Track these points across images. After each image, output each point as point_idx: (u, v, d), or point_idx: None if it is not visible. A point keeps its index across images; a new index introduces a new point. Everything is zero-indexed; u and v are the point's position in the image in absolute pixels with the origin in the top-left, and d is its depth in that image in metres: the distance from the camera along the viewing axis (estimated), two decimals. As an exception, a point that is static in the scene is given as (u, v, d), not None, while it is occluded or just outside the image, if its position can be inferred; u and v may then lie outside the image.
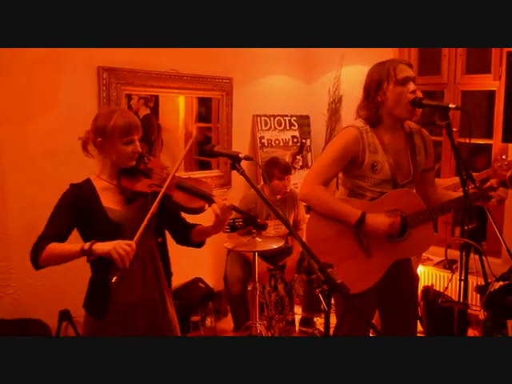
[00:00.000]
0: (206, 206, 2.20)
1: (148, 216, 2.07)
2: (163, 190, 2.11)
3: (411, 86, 2.37)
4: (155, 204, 2.09)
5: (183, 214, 2.35)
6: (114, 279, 1.97)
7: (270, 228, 4.24)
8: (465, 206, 2.40)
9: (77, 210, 2.14)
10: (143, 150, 2.31)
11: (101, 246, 1.95)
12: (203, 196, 2.20)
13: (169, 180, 2.15)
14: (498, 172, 3.45)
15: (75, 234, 2.19)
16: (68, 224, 2.13)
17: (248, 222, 2.32)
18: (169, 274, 2.40)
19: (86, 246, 1.95)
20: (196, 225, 2.37)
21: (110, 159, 2.20)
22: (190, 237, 2.34)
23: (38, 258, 2.02)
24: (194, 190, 2.22)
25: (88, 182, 2.23)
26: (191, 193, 2.22)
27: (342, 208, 2.40)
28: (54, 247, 2.02)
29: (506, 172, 3.43)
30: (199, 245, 2.38)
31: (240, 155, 1.96)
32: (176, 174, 2.22)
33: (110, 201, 2.19)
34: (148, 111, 4.82)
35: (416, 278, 2.73)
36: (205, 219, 2.31)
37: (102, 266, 2.10)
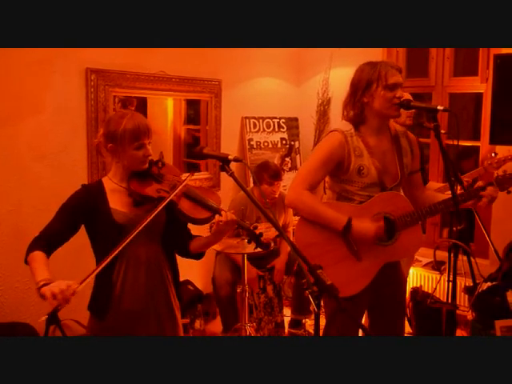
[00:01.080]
0: (212, 217, 2.20)
1: (144, 222, 2.06)
2: (169, 197, 2.11)
3: (399, 93, 2.37)
4: (157, 210, 2.08)
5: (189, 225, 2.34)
6: (40, 319, 1.85)
7: (261, 231, 4.22)
8: (453, 207, 2.40)
9: (83, 210, 2.15)
10: (159, 156, 2.31)
11: (42, 290, 1.87)
12: (210, 207, 2.20)
13: (179, 188, 2.15)
14: (489, 170, 3.47)
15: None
16: (68, 225, 2.14)
17: (251, 238, 2.27)
18: (177, 284, 2.39)
19: (40, 283, 1.89)
20: (196, 236, 2.37)
21: (122, 164, 2.21)
22: (188, 248, 2.33)
23: (26, 256, 2.05)
24: (201, 200, 2.21)
25: (99, 182, 2.25)
26: (198, 202, 2.21)
27: (328, 214, 2.38)
28: (35, 259, 2.01)
29: (497, 170, 3.46)
30: (197, 256, 2.37)
31: (229, 157, 1.95)
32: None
33: (117, 202, 2.20)
34: (133, 114, 4.76)
35: (404, 280, 2.74)
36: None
37: (105, 266, 2.09)
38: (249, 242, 2.38)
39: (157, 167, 2.26)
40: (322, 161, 2.41)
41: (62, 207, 2.17)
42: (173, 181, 2.25)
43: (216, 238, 2.26)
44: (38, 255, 2.03)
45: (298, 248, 2.41)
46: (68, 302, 1.85)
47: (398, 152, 2.51)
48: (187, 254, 2.35)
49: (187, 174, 2.22)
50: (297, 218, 4.55)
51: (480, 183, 2.47)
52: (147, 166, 2.22)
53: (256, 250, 3.46)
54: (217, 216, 2.17)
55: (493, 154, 3.46)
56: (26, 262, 2.05)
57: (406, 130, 2.62)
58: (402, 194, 2.51)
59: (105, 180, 2.25)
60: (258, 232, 2.23)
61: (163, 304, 2.30)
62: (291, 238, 4.35)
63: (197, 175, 4.74)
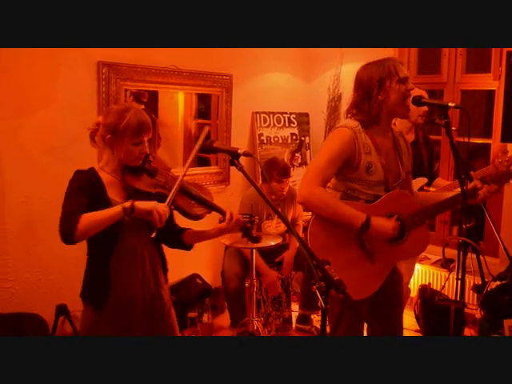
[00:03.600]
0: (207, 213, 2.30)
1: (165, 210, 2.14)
2: (172, 194, 2.16)
3: (410, 85, 2.37)
4: (169, 200, 2.15)
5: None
6: (153, 235, 2.17)
7: (272, 227, 4.24)
8: (456, 205, 2.42)
9: (86, 195, 2.13)
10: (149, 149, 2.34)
11: (142, 205, 2.07)
12: (207, 205, 2.29)
13: (177, 185, 2.19)
14: (500, 169, 3.45)
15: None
16: (85, 203, 2.09)
17: (244, 234, 2.39)
18: (165, 270, 2.43)
19: (127, 204, 2.03)
20: (187, 228, 2.42)
21: (118, 156, 2.22)
22: (183, 239, 2.39)
23: (74, 232, 1.97)
24: (198, 196, 2.29)
25: (93, 171, 2.23)
26: (195, 199, 2.29)
27: (345, 211, 2.32)
28: (90, 215, 2.02)
29: (507, 168, 3.46)
30: (189, 247, 2.43)
31: (239, 151, 1.95)
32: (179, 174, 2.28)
33: (114, 194, 2.21)
34: (142, 107, 4.77)
35: (401, 276, 2.71)
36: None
37: (100, 256, 2.20)
38: (242, 237, 2.45)
39: (148, 162, 2.29)
40: (334, 156, 2.36)
41: (72, 188, 2.12)
42: (167, 176, 2.29)
43: (219, 235, 2.33)
44: (89, 214, 2.02)
45: (312, 250, 2.41)
46: (164, 223, 2.09)
47: (398, 151, 2.51)
48: (180, 245, 2.41)
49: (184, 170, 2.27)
50: (306, 213, 4.56)
51: (476, 183, 2.47)
52: (141, 162, 2.25)
53: (267, 245, 3.50)
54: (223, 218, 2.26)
55: (504, 152, 3.45)
56: (75, 238, 1.99)
57: (401, 132, 2.63)
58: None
59: (97, 169, 2.24)
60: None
61: (154, 290, 2.34)
62: (300, 232, 4.37)
63: (206, 169, 4.75)
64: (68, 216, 2.01)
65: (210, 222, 2.38)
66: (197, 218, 2.29)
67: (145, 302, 2.29)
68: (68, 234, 1.98)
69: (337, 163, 2.36)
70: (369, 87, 2.38)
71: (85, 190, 2.12)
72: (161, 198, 2.17)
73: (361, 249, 2.40)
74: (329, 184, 2.48)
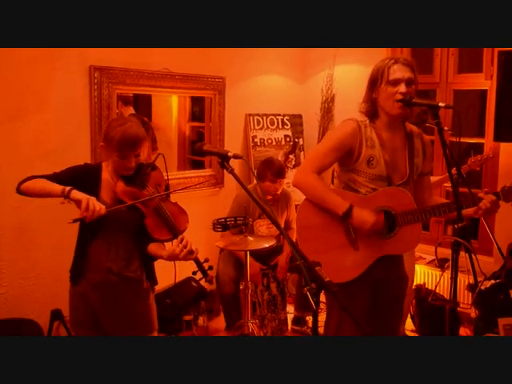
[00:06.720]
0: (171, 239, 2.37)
1: (114, 208, 2.28)
2: (125, 205, 2.32)
3: (401, 88, 2.37)
4: (113, 208, 2.27)
5: None
6: (70, 221, 2.14)
7: (263, 227, 4.24)
8: (455, 210, 2.40)
9: (77, 184, 2.28)
10: (154, 159, 2.53)
11: (77, 194, 2.16)
12: (174, 231, 2.36)
13: (140, 200, 2.34)
14: (472, 167, 3.63)
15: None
16: (56, 178, 2.33)
17: (202, 273, 2.43)
18: (148, 268, 2.56)
19: (67, 189, 2.17)
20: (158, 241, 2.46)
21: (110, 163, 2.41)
22: (146, 249, 2.46)
23: (18, 186, 2.31)
24: (169, 221, 2.36)
25: (99, 167, 2.45)
26: (165, 222, 2.37)
27: (331, 198, 2.42)
28: (40, 181, 2.28)
29: (479, 167, 3.64)
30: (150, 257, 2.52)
31: (229, 154, 1.97)
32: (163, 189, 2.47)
33: (105, 193, 2.40)
34: (132, 111, 4.75)
35: (406, 279, 2.72)
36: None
37: (82, 243, 2.44)
38: (194, 274, 2.47)
39: (146, 171, 2.42)
40: (333, 147, 2.45)
41: (66, 170, 2.39)
42: (152, 193, 2.39)
43: (167, 259, 2.35)
44: (43, 180, 2.28)
45: (300, 228, 2.52)
46: (92, 219, 2.13)
47: (409, 151, 2.53)
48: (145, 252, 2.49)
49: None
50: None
51: (483, 193, 2.45)
52: (131, 173, 2.37)
53: (261, 247, 3.49)
54: (173, 251, 2.28)
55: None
56: (19, 188, 2.31)
57: (421, 132, 2.64)
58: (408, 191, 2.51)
59: (104, 166, 2.44)
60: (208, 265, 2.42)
61: (130, 283, 2.49)
62: (293, 236, 4.36)
63: (200, 172, 4.74)
64: (31, 176, 2.32)
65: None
66: (158, 241, 2.40)
67: (114, 288, 2.46)
68: (17, 185, 2.32)
69: (335, 153, 2.45)
70: (368, 82, 2.49)
71: (74, 178, 2.34)
72: (136, 210, 2.35)
73: (346, 235, 2.46)
74: (335, 174, 2.62)
